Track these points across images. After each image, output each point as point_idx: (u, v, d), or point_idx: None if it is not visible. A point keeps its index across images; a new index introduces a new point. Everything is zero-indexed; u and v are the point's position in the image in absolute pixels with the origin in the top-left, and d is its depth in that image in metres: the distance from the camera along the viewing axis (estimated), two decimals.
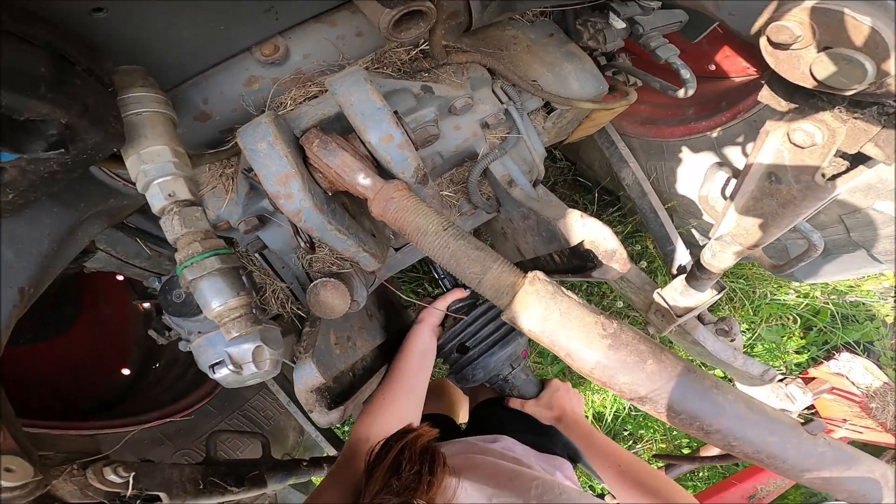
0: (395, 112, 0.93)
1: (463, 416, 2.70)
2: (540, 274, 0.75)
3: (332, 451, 2.29)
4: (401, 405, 1.29)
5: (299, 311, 1.34)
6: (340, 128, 0.99)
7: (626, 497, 1.22)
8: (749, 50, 2.08)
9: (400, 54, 1.20)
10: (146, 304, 2.46)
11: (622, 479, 1.24)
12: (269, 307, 1.36)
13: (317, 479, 2.28)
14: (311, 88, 1.10)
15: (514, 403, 1.58)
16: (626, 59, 1.74)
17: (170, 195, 0.76)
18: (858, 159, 0.83)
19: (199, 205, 0.80)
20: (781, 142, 0.81)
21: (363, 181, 0.84)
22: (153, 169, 0.77)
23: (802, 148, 0.78)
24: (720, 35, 2.05)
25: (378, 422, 1.22)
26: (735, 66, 2.14)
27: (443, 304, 1.55)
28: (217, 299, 0.73)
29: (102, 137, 0.70)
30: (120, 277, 2.58)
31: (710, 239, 1.16)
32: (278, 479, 1.47)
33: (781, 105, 0.82)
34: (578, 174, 2.80)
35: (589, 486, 2.88)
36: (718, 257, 1.17)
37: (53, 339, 2.35)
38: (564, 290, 0.75)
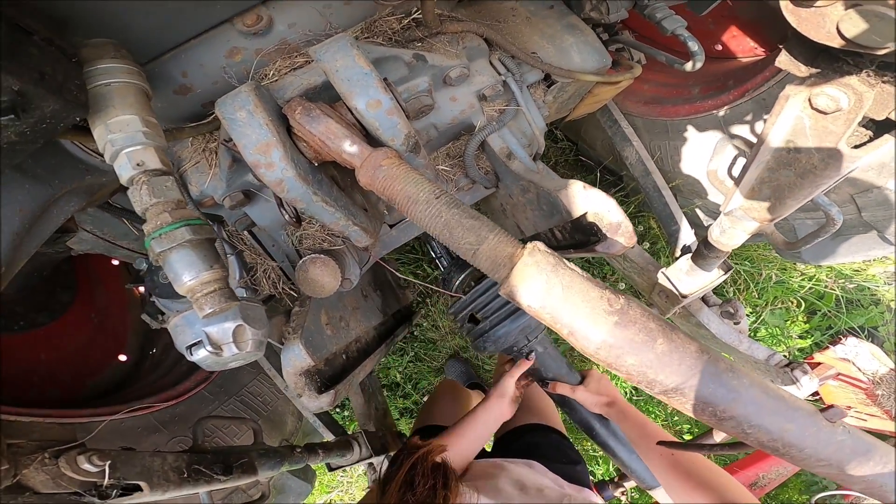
0: (385, 80, 0.88)
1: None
2: (540, 244, 0.69)
3: (330, 437, 2.26)
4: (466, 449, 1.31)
5: (292, 291, 1.29)
6: (327, 98, 0.94)
7: (678, 488, 1.18)
8: (756, 30, 2.01)
9: (391, 23, 1.13)
10: (141, 288, 2.42)
11: (674, 469, 1.19)
12: (261, 287, 1.31)
13: (315, 465, 2.25)
14: (297, 59, 1.04)
15: (563, 388, 1.52)
16: (629, 35, 1.68)
17: (138, 164, 0.71)
18: (883, 128, 0.77)
19: (171, 175, 0.74)
20: (802, 108, 0.75)
21: (349, 148, 0.79)
22: (121, 138, 0.72)
23: (826, 114, 0.72)
24: (727, 15, 1.98)
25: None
26: (742, 47, 2.08)
27: (518, 371, 1.51)
28: (188, 272, 0.68)
29: (61, 105, 0.66)
30: (115, 262, 2.54)
31: (719, 214, 1.11)
32: (270, 467, 1.42)
33: (801, 70, 0.76)
34: (580, 154, 2.74)
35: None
36: (728, 234, 1.12)
37: (49, 325, 2.30)
38: (567, 262, 0.70)
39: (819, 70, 0.73)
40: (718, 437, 1.75)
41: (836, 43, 0.62)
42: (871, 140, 0.78)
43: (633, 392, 2.96)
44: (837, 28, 0.60)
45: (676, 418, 2.95)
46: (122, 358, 2.45)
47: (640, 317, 0.69)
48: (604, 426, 1.51)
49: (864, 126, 0.79)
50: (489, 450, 1.81)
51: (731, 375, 0.71)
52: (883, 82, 0.68)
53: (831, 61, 0.71)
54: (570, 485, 1.39)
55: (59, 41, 0.72)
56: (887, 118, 0.72)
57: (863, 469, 0.74)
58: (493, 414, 1.42)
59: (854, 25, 0.58)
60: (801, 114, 0.75)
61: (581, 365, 3.00)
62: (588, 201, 0.90)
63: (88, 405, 1.98)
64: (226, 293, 0.69)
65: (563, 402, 1.59)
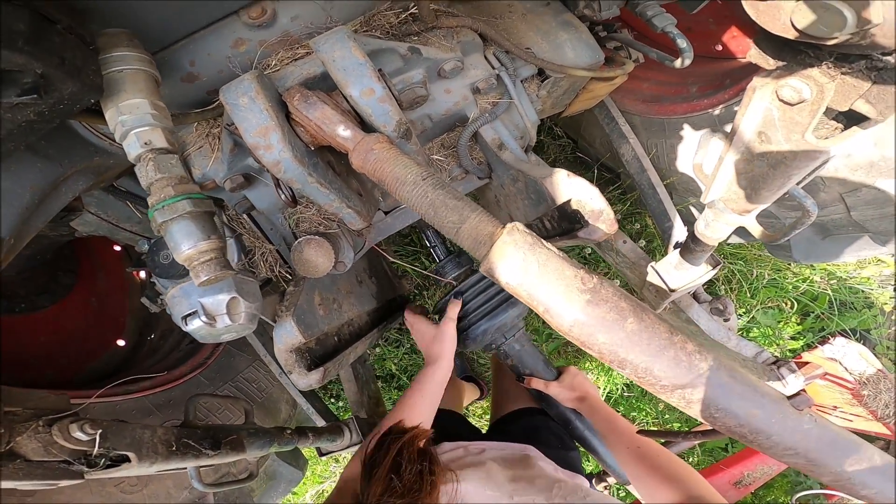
0: (380, 70, 0.92)
1: (468, 399, 2.70)
2: (519, 224, 0.73)
3: (321, 423, 2.30)
4: (420, 411, 1.29)
5: (288, 275, 1.34)
6: (325, 87, 0.99)
7: (644, 480, 1.21)
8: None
9: (389, 17, 1.18)
10: (142, 273, 2.45)
11: (640, 463, 1.22)
12: (259, 270, 1.35)
13: (305, 448, 2.28)
14: (298, 50, 1.09)
15: (537, 384, 1.56)
16: (626, 33, 1.71)
17: (146, 143, 0.76)
18: (852, 119, 0.80)
19: (176, 153, 0.79)
20: (770, 99, 0.79)
21: (343, 133, 0.83)
22: (131, 119, 0.78)
23: (791, 105, 0.76)
24: (728, 14, 2.01)
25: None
26: (742, 47, 2.10)
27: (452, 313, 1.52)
28: (187, 242, 0.72)
29: (79, 87, 0.72)
30: (117, 248, 2.56)
31: (703, 206, 1.14)
32: (259, 446, 1.42)
33: (769, 63, 0.80)
34: (579, 151, 2.78)
35: None
36: (712, 227, 1.15)
37: (49, 308, 2.33)
38: (544, 241, 0.74)
39: (785, 63, 0.77)
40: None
41: (791, 35, 0.65)
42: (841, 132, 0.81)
43: (626, 388, 3.00)
44: (791, 20, 0.63)
45: (667, 416, 2.98)
46: (121, 343, 2.47)
47: (611, 296, 0.72)
48: (580, 421, 1.56)
49: (835, 119, 0.83)
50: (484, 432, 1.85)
51: (698, 357, 0.71)
52: (843, 74, 0.71)
53: (794, 54, 0.74)
54: (564, 471, 1.41)
55: (80, 30, 0.78)
56: (851, 110, 0.75)
57: (829, 460, 0.74)
58: (437, 373, 1.39)
59: (804, 17, 0.61)
60: (770, 105, 0.78)
61: (568, 362, 3.04)
62: (571, 188, 0.94)
63: (85, 389, 2.02)
64: (221, 262, 0.74)
65: (540, 396, 1.64)
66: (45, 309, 2.32)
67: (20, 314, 2.22)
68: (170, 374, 2.10)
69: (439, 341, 1.43)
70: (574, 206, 0.94)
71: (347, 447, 1.88)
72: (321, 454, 1.96)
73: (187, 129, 1.15)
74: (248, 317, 0.89)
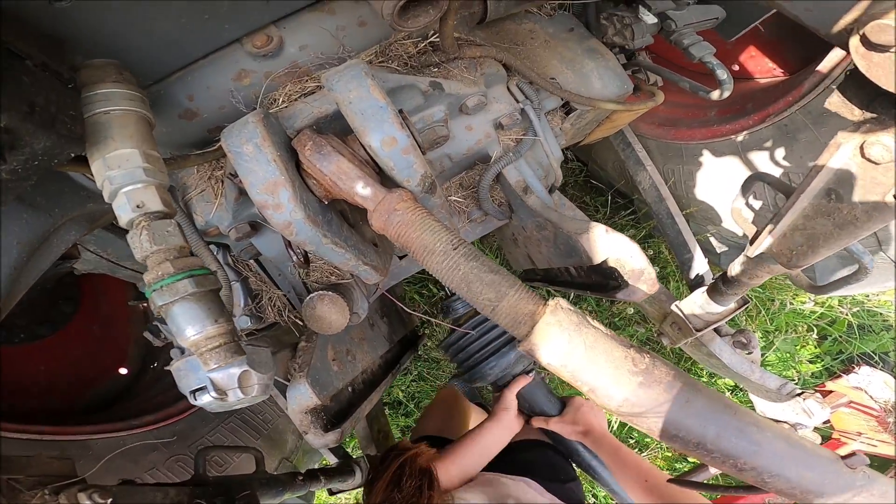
0: (401, 111, 0.83)
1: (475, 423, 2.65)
2: (563, 302, 0.65)
3: (332, 459, 2.22)
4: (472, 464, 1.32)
5: (297, 321, 1.26)
6: (339, 127, 0.89)
7: None
8: (777, 51, 1.97)
9: (407, 47, 1.09)
10: (144, 304, 2.40)
11: (651, 496, 1.22)
12: (266, 315, 1.27)
13: (318, 490, 2.21)
14: (308, 84, 1.00)
15: (538, 422, 1.55)
16: (647, 57, 1.64)
17: (138, 206, 0.67)
18: None
19: (173, 216, 0.70)
20: (852, 156, 0.71)
21: (362, 191, 0.74)
22: (120, 175, 0.68)
23: (877, 164, 0.68)
24: (747, 34, 1.95)
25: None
26: (760, 67, 2.04)
27: (517, 386, 1.54)
28: (192, 327, 0.64)
29: (54, 141, 0.61)
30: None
31: (736, 246, 1.07)
32: (272, 496, 1.38)
33: (854, 114, 0.73)
34: (590, 176, 2.70)
35: None
36: (750, 274, 1.08)
37: (50, 337, 2.27)
38: (590, 319, 0.66)
39: (875, 115, 0.69)
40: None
41: None
42: None
43: None
44: None
45: None
46: (123, 371, 2.42)
47: (665, 376, 0.67)
48: (587, 451, 1.54)
49: None
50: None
51: (755, 430, 0.71)
52: None
53: (889, 106, 0.67)
54: None
55: (55, 65, 0.67)
56: None
57: None
58: (502, 424, 1.45)
59: None
60: (850, 162, 0.70)
61: None
62: (611, 246, 0.86)
63: (87, 416, 1.94)
64: (231, 348, 0.65)
65: (545, 431, 1.61)
66: (46, 338, 2.26)
67: (20, 345, 2.16)
68: (174, 408, 2.04)
69: (499, 401, 1.51)
70: (612, 264, 0.85)
71: (359, 486, 1.82)
72: (332, 493, 1.90)
73: (188, 169, 1.06)
74: (261, 388, 0.81)
